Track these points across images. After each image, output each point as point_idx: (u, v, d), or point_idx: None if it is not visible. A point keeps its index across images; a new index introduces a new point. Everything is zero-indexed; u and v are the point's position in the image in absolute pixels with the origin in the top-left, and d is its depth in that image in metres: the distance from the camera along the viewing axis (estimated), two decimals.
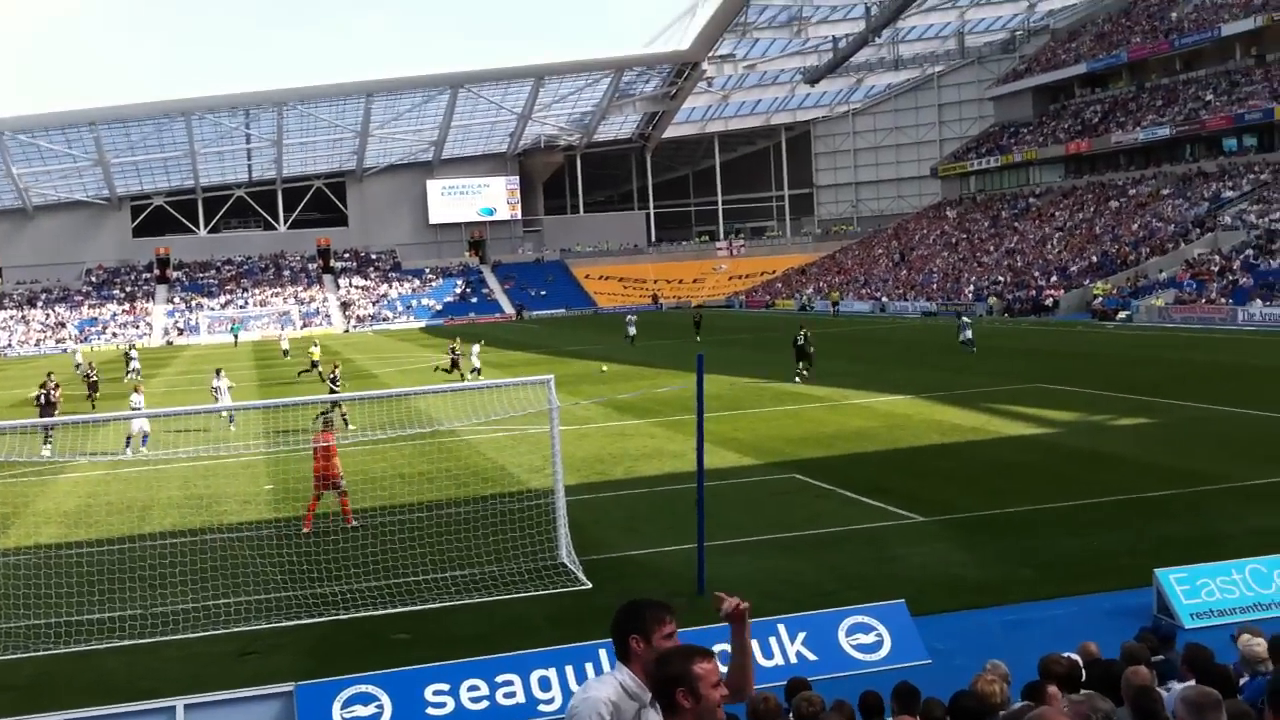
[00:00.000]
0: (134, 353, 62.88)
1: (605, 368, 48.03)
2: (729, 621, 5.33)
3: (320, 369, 48.77)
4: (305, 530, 19.44)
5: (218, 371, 37.01)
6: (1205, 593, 13.70)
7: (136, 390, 33.62)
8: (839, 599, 14.24)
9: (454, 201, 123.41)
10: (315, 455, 20.53)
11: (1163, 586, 13.74)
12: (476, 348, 48.75)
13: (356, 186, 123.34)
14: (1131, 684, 7.57)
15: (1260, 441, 24.36)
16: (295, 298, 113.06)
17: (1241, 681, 8.87)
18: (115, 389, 49.13)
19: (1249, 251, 63.53)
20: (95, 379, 45.00)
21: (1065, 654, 9.24)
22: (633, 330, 64.23)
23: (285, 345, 72.95)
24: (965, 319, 51.35)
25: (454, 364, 46.31)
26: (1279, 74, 79.98)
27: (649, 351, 56.08)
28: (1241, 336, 48.83)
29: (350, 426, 31.69)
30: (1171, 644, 10.51)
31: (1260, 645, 9.24)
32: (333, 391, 34.24)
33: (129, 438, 30.70)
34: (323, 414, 22.67)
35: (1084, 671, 9.11)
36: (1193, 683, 7.52)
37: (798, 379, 39.38)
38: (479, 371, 46.64)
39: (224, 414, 33.83)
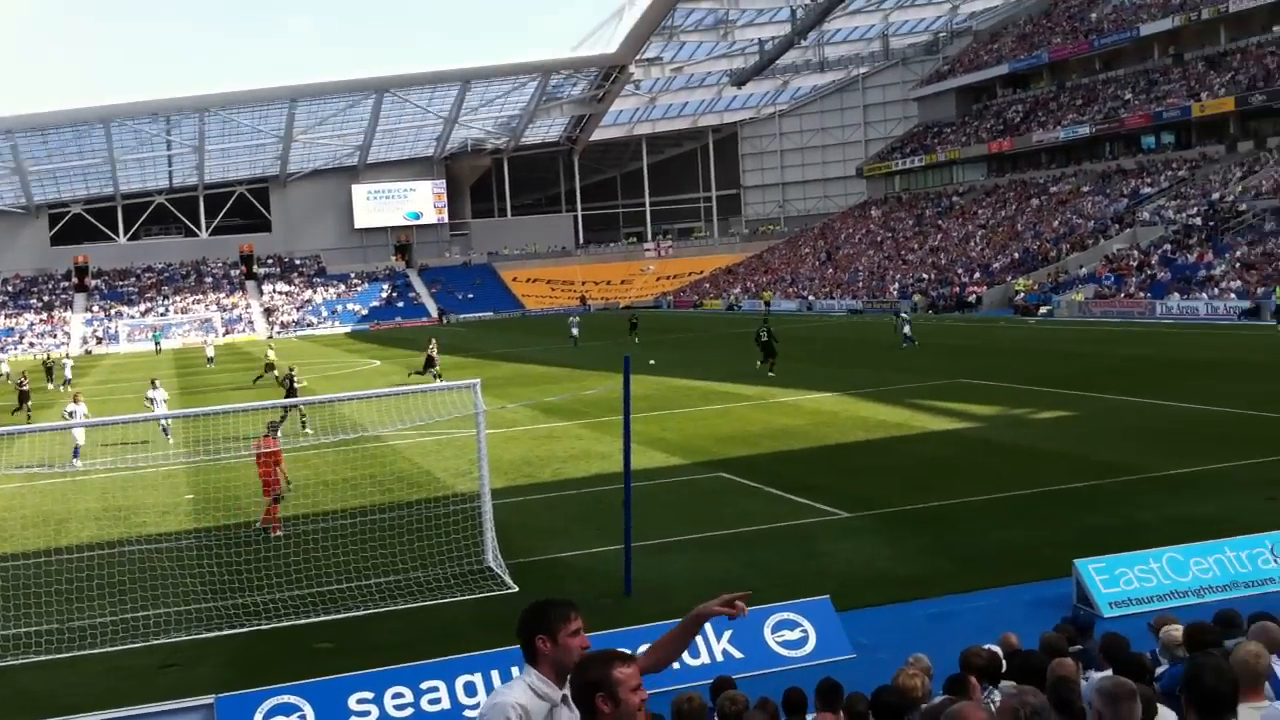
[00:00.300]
0: (68, 361, 61.85)
1: (653, 361, 45.75)
2: (717, 615, 5.42)
3: (277, 373, 47.94)
4: (277, 534, 19.33)
5: (153, 382, 36.06)
6: (1124, 582, 13.88)
7: (76, 400, 32.01)
8: (765, 596, 14.24)
9: (380, 206, 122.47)
10: (258, 461, 20.27)
11: (1082, 577, 13.90)
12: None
13: (280, 192, 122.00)
14: (1054, 674, 7.63)
15: (1177, 432, 24.78)
16: (217, 304, 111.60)
17: (1160, 669, 8.97)
18: (43, 399, 48.13)
19: (1166, 247, 64.69)
20: (26, 388, 44.05)
21: (986, 646, 9.30)
22: (576, 332, 63.41)
23: (210, 353, 71.65)
24: (905, 315, 51.58)
25: (429, 362, 45.16)
26: (1196, 73, 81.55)
27: (582, 354, 55.97)
28: (1159, 330, 49.69)
29: (308, 430, 31.42)
30: (1090, 633, 10.63)
31: (1177, 632, 9.36)
32: (291, 395, 33.86)
33: (76, 448, 29.58)
34: (273, 422, 22.28)
35: (1004, 663, 9.18)
36: (1109, 672, 7.59)
37: (771, 374, 40.35)
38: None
39: (160, 425, 32.74)
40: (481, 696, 11.97)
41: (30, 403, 43.39)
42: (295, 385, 35.81)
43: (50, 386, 56.31)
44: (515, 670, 12.09)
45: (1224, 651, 6.26)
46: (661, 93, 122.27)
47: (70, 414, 30.10)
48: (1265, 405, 26.90)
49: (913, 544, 17.26)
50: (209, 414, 25.92)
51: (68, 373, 58.33)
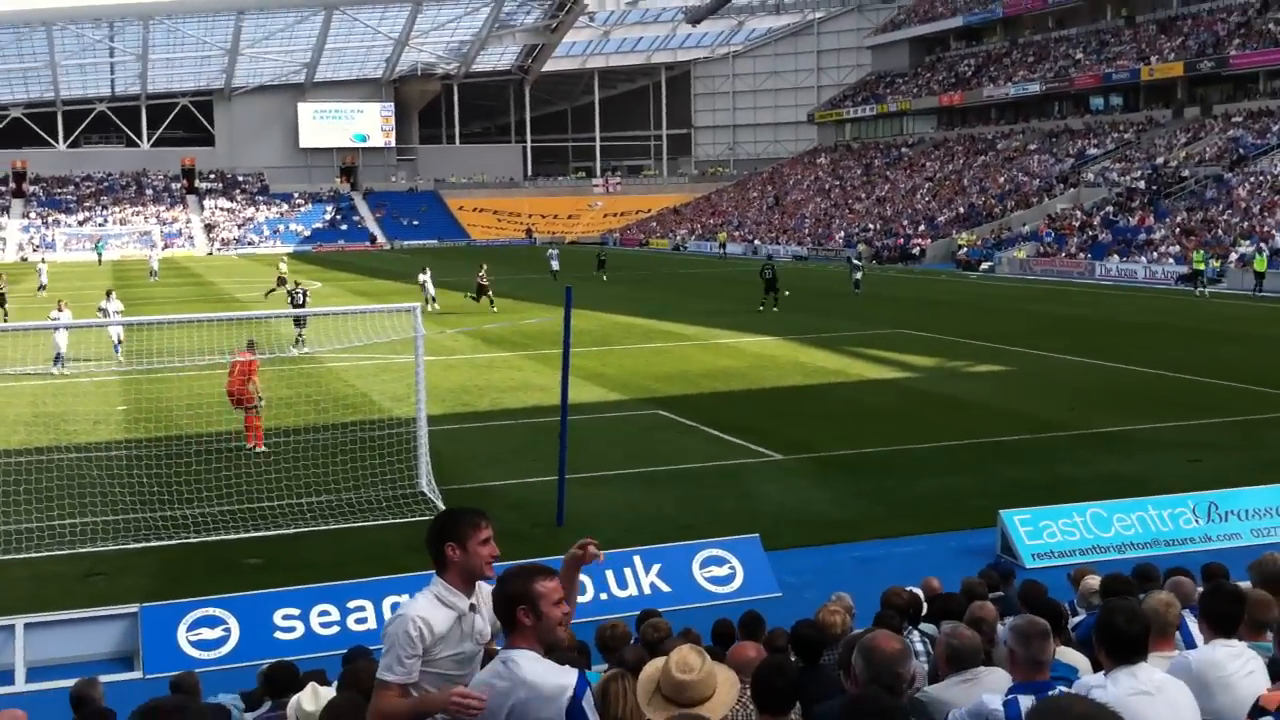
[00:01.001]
0: (43, 266, 60.66)
1: (788, 292, 44.72)
2: (575, 561, 5.38)
3: (287, 286, 46.91)
4: (259, 447, 19.44)
5: (108, 293, 33.94)
6: (1047, 534, 14.17)
7: (60, 307, 30.32)
8: (696, 533, 14.40)
9: (326, 126, 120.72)
10: (231, 372, 20.21)
11: (1007, 527, 14.17)
12: (428, 277, 45.06)
13: (225, 106, 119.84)
14: (973, 615, 7.80)
15: (1109, 391, 25.18)
16: (157, 218, 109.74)
17: (1077, 619, 9.19)
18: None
19: (1109, 209, 65.32)
20: (3, 290, 42.84)
21: (907, 588, 9.48)
22: (556, 265, 60.22)
23: (154, 265, 69.84)
24: (857, 262, 52.56)
25: (480, 290, 43.91)
26: (1147, 35, 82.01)
27: (530, 285, 55.68)
28: (1098, 290, 50.32)
29: (305, 349, 31.24)
30: (1011, 581, 10.86)
31: (1095, 582, 9.58)
32: (298, 308, 33.62)
33: (59, 355, 28.78)
34: (251, 340, 21.91)
35: (925, 605, 9.37)
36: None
37: (775, 309, 41.88)
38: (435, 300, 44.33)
39: (114, 339, 30.93)
40: None
41: (7, 306, 42.39)
42: (306, 300, 36.04)
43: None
44: None
45: (1138, 601, 6.41)
46: (616, 26, 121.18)
47: (55, 319, 29.30)
48: (1193, 369, 27.37)
49: (844, 488, 17.48)
50: (167, 323, 25.59)
51: (43, 278, 57.00)
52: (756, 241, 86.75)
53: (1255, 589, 7.27)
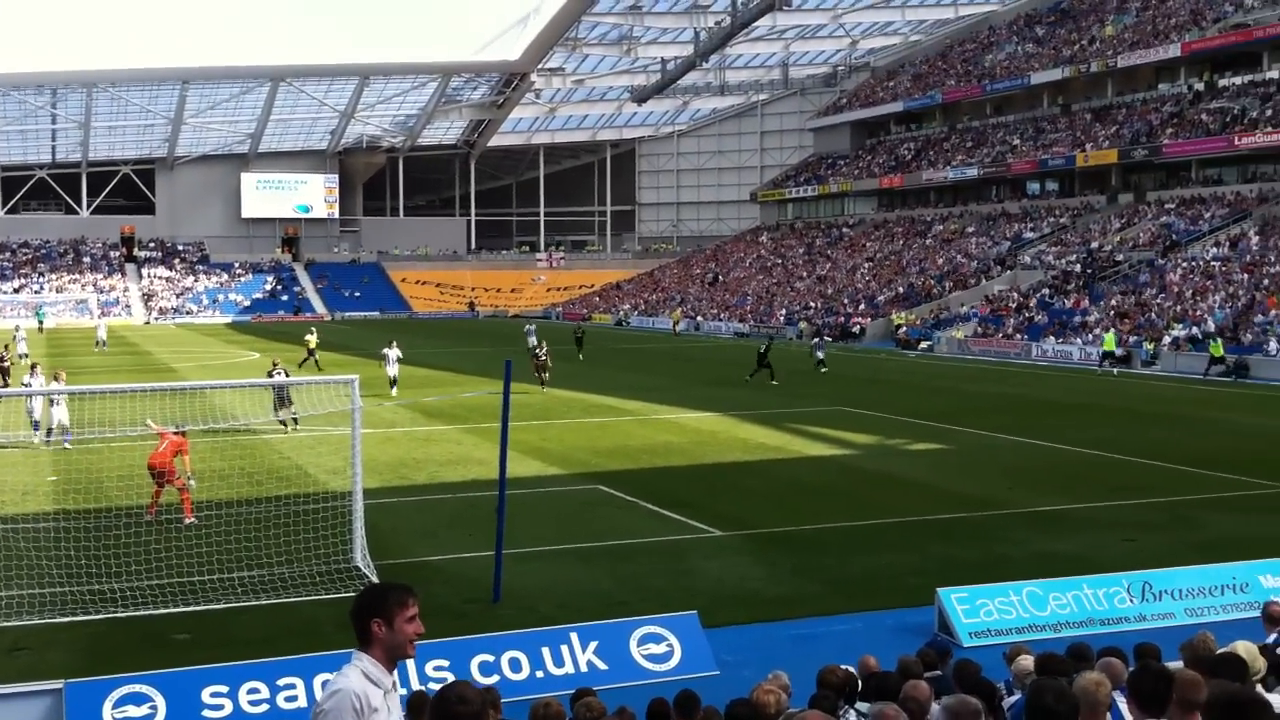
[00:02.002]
0: (21, 334, 59.30)
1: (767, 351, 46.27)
2: None
3: (316, 357, 48.53)
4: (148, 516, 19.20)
5: (33, 368, 31.94)
6: (984, 612, 14.19)
7: (33, 372, 29.54)
8: (633, 610, 14.30)
9: (269, 196, 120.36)
10: (160, 444, 20.00)
11: (944, 605, 14.19)
12: (394, 353, 40.58)
13: (166, 174, 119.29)
14: (905, 694, 7.79)
15: (1044, 470, 25.42)
16: (95, 285, 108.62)
17: (1012, 699, 9.19)
18: None
19: (1045, 291, 66.36)
20: (7, 364, 41.50)
21: (843, 666, 9.45)
22: (533, 340, 54.88)
23: (102, 335, 67.38)
24: (818, 340, 53.95)
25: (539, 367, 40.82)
26: (1082, 123, 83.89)
27: (468, 359, 55.51)
28: (1034, 371, 50.94)
29: (295, 428, 30.13)
30: (948, 660, 10.84)
31: (1029, 662, 9.60)
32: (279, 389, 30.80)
33: (50, 428, 27.69)
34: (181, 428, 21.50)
35: (860, 683, 9.34)
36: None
37: (774, 382, 43.34)
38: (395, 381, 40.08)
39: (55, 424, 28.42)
40: None
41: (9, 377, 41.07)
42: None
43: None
44: None
45: (1070, 680, 6.43)
46: (562, 104, 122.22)
47: (28, 385, 28.47)
48: (1126, 450, 27.72)
49: (782, 565, 17.45)
50: (100, 393, 25.24)
51: (22, 347, 55.39)
52: (699, 318, 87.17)
53: (1185, 669, 7.32)
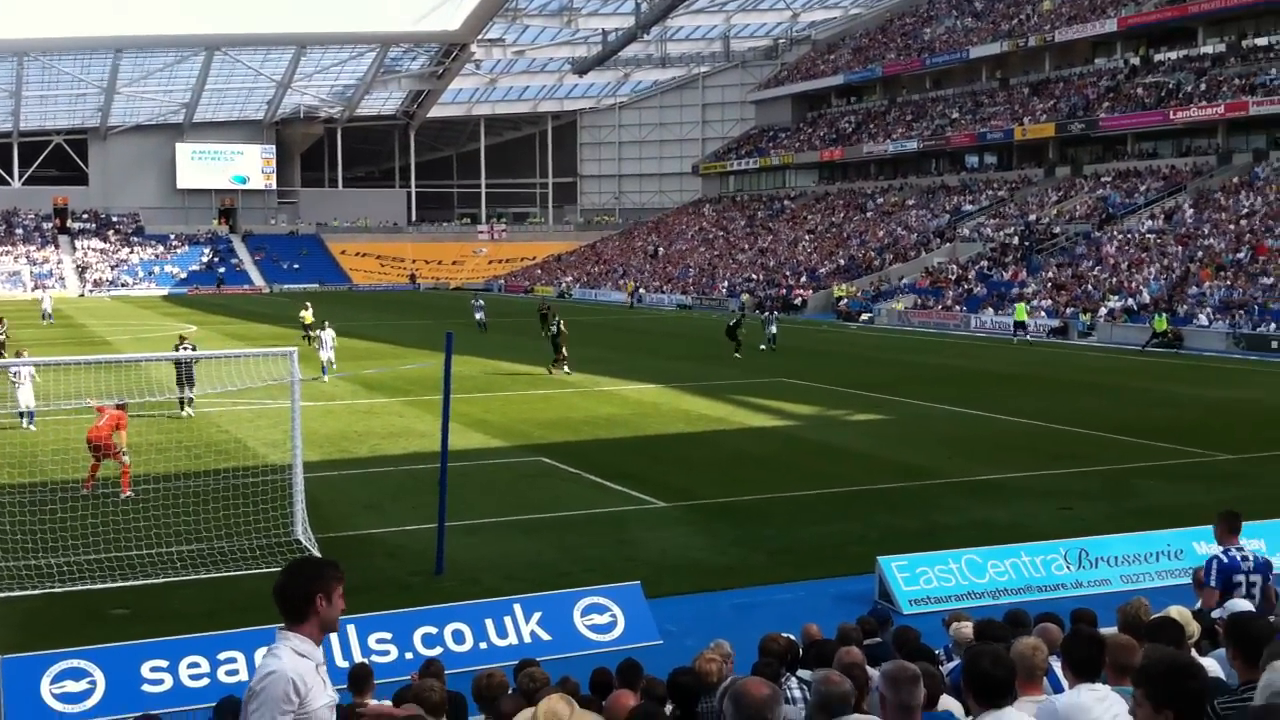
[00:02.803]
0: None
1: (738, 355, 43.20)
2: None
3: (311, 334, 43.99)
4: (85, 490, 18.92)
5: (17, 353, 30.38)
6: (924, 580, 14.36)
7: (19, 354, 28.41)
8: (577, 581, 14.32)
9: (205, 167, 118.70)
10: (98, 419, 19.74)
11: (884, 573, 14.34)
12: (329, 335, 37.87)
13: (100, 145, 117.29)
14: (841, 661, 7.86)
15: (982, 439, 25.71)
16: (28, 258, 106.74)
17: (951, 665, 9.31)
18: None
19: (983, 263, 66.97)
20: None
21: (785, 634, 9.52)
22: (480, 315, 56.27)
23: (48, 307, 65.60)
24: (768, 314, 51.64)
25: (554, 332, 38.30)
26: (1020, 98, 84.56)
27: (409, 332, 55.15)
28: (973, 342, 51.43)
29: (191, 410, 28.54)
30: (889, 627, 10.96)
31: (968, 628, 9.72)
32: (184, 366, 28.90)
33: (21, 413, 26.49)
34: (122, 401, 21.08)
35: (802, 651, 9.42)
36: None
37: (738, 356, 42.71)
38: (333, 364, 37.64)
39: (23, 409, 26.90)
40: None
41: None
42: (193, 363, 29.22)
43: None
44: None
45: (1007, 646, 6.52)
46: (502, 75, 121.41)
47: (15, 372, 26.66)
48: (1063, 419, 28.09)
49: (725, 535, 17.54)
50: (33, 366, 24.79)
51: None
52: (641, 290, 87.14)
53: (1120, 634, 7.44)
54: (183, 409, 28.50)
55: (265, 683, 4.69)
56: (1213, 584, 10.16)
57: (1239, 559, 10.12)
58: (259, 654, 11.49)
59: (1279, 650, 5.20)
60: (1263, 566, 10.18)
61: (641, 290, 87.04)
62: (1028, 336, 51.04)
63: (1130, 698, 6.14)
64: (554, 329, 38.46)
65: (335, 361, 37.71)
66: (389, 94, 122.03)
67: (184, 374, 28.23)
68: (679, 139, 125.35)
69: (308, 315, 47.92)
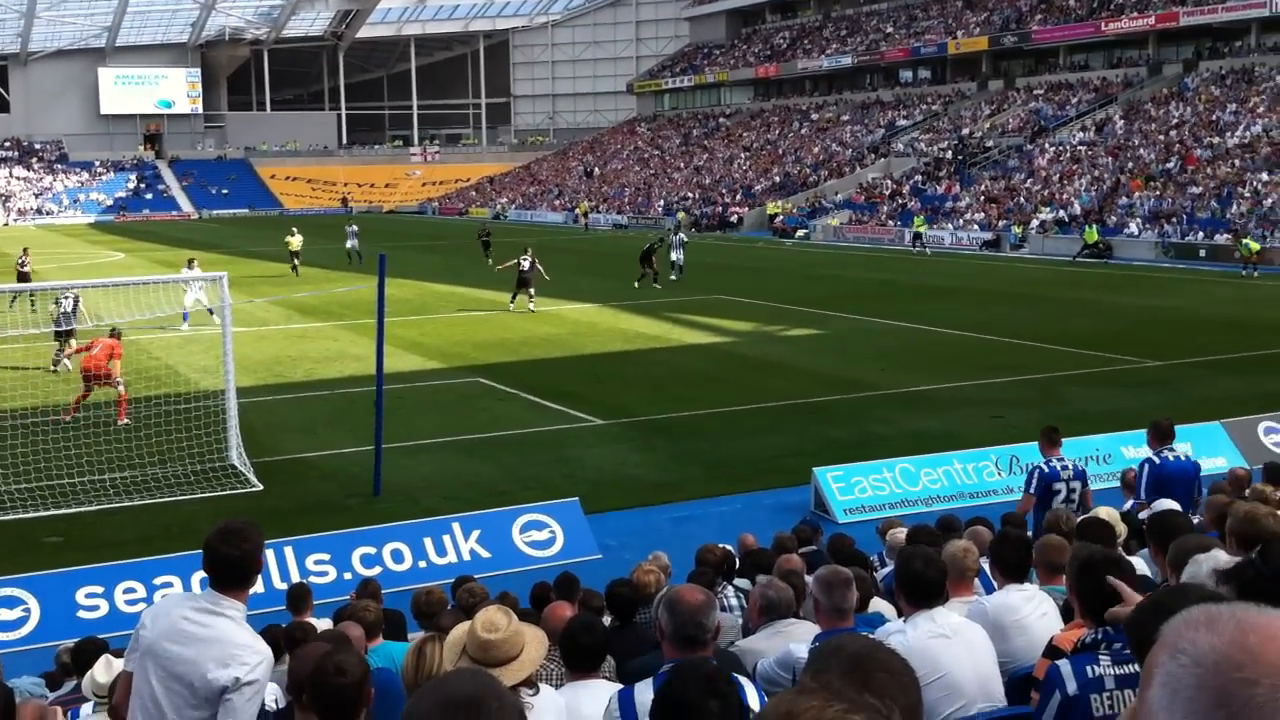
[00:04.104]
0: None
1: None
2: None
3: (298, 263, 44.95)
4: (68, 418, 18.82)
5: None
6: (858, 490, 14.55)
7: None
8: (516, 499, 14.36)
9: (128, 92, 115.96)
10: (90, 348, 19.66)
11: (820, 484, 14.50)
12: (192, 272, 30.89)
13: (20, 71, 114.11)
14: (781, 569, 7.95)
15: (916, 352, 25.95)
16: None
17: (885, 570, 9.46)
18: None
19: (918, 178, 67.22)
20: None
21: (721, 545, 9.63)
22: (353, 243, 48.79)
23: None
24: (681, 236, 43.80)
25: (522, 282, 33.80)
26: (954, 10, 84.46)
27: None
28: (907, 257, 51.73)
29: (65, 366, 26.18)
30: (821, 535, 11.11)
31: (901, 534, 9.87)
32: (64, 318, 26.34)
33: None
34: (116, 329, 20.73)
35: (738, 561, 9.53)
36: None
37: (656, 286, 38.57)
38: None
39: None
40: None
41: None
42: (77, 309, 26.31)
43: None
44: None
45: (938, 550, 6.62)
46: None
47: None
48: (995, 330, 28.42)
49: (663, 451, 17.64)
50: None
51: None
52: (577, 210, 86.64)
53: (1051, 535, 7.58)
54: (57, 367, 25.14)
55: (261, 671, 4.67)
56: (1031, 491, 10.89)
57: (1059, 468, 10.86)
58: (195, 577, 11.47)
59: (1189, 545, 5.30)
60: (1080, 474, 10.91)
61: (576, 211, 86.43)
62: (926, 249, 52.97)
63: (1059, 596, 6.28)
64: (524, 265, 33.60)
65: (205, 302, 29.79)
66: (316, 14, 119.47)
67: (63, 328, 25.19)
68: (613, 57, 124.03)
69: (294, 241, 45.64)
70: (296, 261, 45.25)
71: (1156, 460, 10.68)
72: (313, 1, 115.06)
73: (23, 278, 34.80)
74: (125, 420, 18.84)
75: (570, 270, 45.57)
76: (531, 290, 33.48)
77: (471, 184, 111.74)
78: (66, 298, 25.24)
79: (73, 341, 24.16)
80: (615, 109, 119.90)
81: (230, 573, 4.78)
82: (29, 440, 16.25)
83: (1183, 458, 11.03)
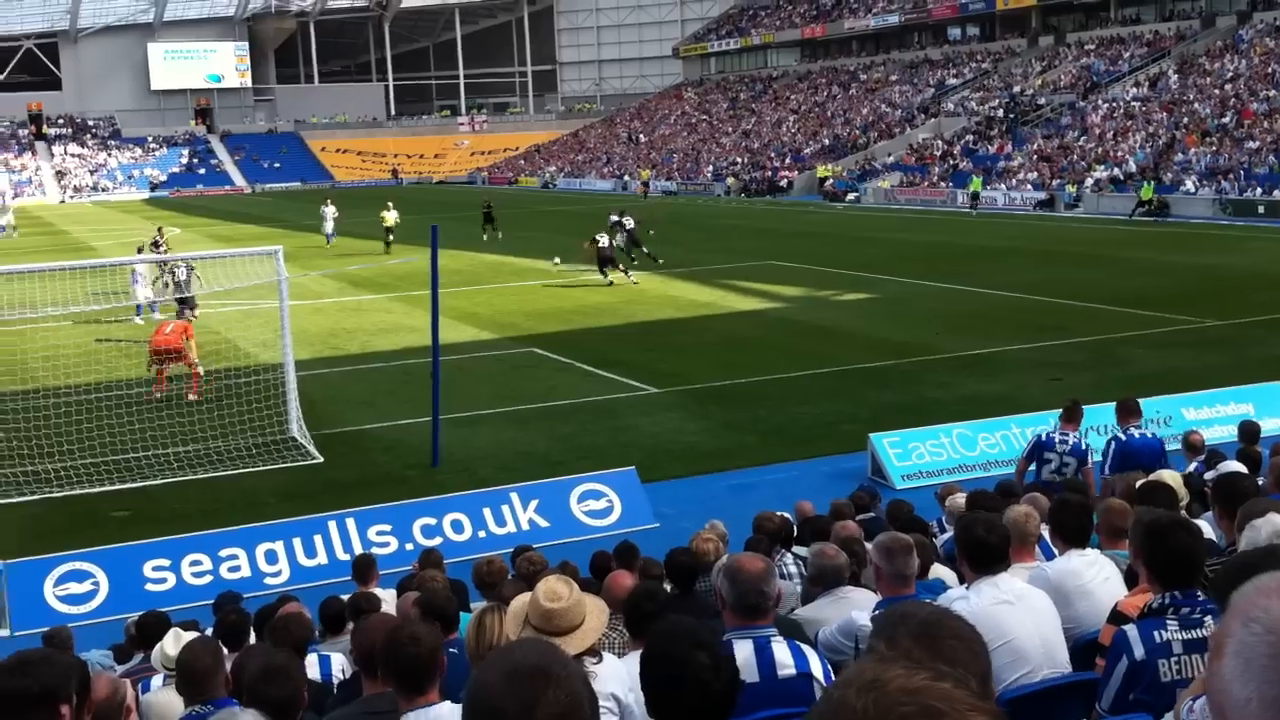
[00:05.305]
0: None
1: (558, 259, 36.55)
2: None
3: (390, 240, 42.05)
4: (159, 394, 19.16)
5: None
6: (915, 456, 14.51)
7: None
8: (572, 469, 14.45)
9: (178, 67, 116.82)
10: (160, 330, 19.90)
11: (876, 450, 14.47)
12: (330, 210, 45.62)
13: (71, 48, 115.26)
14: (838, 535, 7.98)
15: (971, 314, 25.75)
16: (5, 165, 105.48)
17: (944, 536, 9.45)
18: None
19: (969, 137, 66.51)
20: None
21: (779, 512, 9.65)
22: (330, 226, 45.45)
23: (9, 220, 62.43)
24: (626, 220, 36.69)
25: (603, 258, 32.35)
26: None
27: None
28: (959, 218, 51.28)
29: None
30: (879, 502, 11.11)
31: (961, 499, 9.85)
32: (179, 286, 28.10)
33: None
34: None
35: (795, 528, 9.55)
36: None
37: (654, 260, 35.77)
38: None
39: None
40: (283, 564, 11.89)
41: None
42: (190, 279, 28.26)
43: None
44: (318, 539, 12.01)
45: (999, 515, 6.61)
46: None
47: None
48: (1050, 291, 28.12)
49: (718, 418, 17.66)
50: (20, 273, 24.61)
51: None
52: (626, 177, 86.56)
53: (1113, 499, 7.55)
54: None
55: None
56: (1021, 455, 11.68)
57: (1056, 440, 11.26)
58: (260, 549, 11.65)
59: (1255, 510, 5.27)
60: (1079, 453, 11.12)
61: (625, 177, 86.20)
62: (972, 211, 53.14)
63: (1122, 560, 6.27)
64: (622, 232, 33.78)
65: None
66: None
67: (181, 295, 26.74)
68: (658, 21, 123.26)
69: (389, 217, 42.93)
70: (391, 238, 42.50)
71: (1043, 438, 11.29)
72: None
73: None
74: (194, 396, 19.12)
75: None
76: (620, 263, 32.46)
77: (520, 153, 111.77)
78: (179, 268, 25.82)
79: (194, 310, 25.34)
80: (661, 74, 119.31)
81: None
82: (94, 415, 16.53)
83: (1149, 435, 11.38)
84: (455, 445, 16.00)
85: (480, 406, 18.57)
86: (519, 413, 18.35)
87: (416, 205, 70.48)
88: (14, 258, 45.33)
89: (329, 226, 45.63)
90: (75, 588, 11.28)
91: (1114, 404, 11.70)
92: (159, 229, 37.28)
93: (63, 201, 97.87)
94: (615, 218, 35.60)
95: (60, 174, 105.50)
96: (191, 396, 19.14)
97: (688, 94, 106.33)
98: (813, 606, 6.70)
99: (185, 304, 25.92)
